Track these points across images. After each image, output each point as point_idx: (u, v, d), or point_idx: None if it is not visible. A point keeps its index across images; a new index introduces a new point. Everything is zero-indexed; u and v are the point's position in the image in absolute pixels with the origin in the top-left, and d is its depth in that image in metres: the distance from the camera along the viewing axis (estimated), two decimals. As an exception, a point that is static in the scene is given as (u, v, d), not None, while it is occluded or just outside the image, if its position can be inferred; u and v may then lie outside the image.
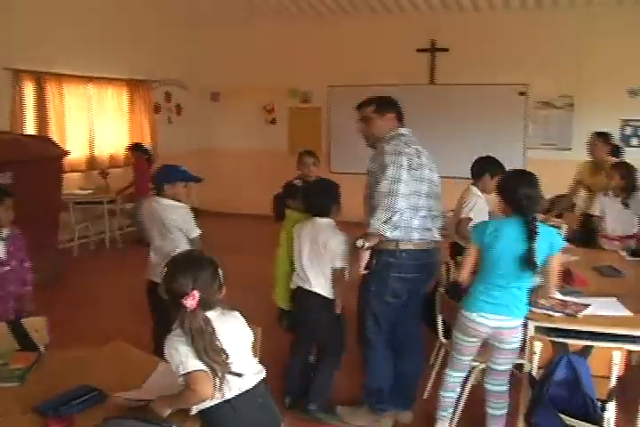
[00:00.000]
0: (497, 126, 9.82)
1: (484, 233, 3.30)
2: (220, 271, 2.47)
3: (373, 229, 3.51)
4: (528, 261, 3.14)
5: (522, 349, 3.39)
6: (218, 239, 6.17)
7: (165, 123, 11.03)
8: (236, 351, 2.40)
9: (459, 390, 3.68)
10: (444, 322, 4.03)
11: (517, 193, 3.24)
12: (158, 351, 4.19)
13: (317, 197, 4.07)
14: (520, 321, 3.34)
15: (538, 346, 3.17)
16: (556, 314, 3.49)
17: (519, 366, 3.70)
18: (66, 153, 7.77)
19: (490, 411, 3.52)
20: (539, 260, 3.17)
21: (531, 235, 3.15)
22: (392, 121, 3.90)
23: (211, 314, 2.38)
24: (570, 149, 9.30)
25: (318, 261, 3.94)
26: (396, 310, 3.80)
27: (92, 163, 9.38)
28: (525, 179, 3.34)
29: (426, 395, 4.23)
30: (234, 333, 2.46)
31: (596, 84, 9.15)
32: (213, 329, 2.32)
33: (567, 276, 4.23)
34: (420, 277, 3.79)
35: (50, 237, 7.14)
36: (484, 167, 4.96)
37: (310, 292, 3.97)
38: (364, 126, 3.96)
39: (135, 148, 9.17)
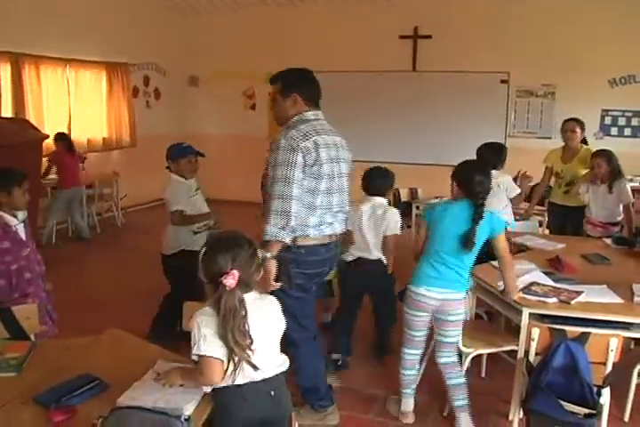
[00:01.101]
0: (478, 114, 9.82)
1: (432, 212, 3.63)
2: (260, 253, 2.49)
3: (272, 236, 3.24)
4: (467, 241, 3.39)
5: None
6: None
7: (144, 107, 10.90)
8: (263, 340, 2.38)
9: (417, 366, 3.86)
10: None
11: (473, 180, 3.48)
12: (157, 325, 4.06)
13: (378, 181, 4.62)
14: (463, 294, 3.58)
15: (536, 332, 3.17)
16: (550, 300, 3.50)
17: (512, 353, 3.73)
18: (45, 137, 7.62)
19: (448, 382, 3.67)
20: (478, 240, 3.41)
21: (476, 217, 3.40)
22: (298, 103, 3.46)
23: (248, 296, 2.36)
24: (551, 137, 9.33)
25: (376, 232, 4.52)
26: (308, 303, 3.66)
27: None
28: (481, 168, 3.61)
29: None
30: (265, 320, 2.43)
31: (578, 74, 9.17)
32: (246, 312, 2.30)
33: (557, 263, 4.26)
34: (324, 271, 3.62)
35: (30, 223, 7.00)
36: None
37: (372, 260, 4.56)
38: (272, 105, 3.62)
39: (60, 137, 8.43)
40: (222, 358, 2.27)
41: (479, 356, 4.06)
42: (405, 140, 10.04)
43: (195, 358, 2.30)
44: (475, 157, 5.04)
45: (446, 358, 3.68)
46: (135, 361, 2.66)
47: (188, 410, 2.22)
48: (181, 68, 11.40)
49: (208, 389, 2.36)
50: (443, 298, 3.52)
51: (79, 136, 9.50)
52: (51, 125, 8.76)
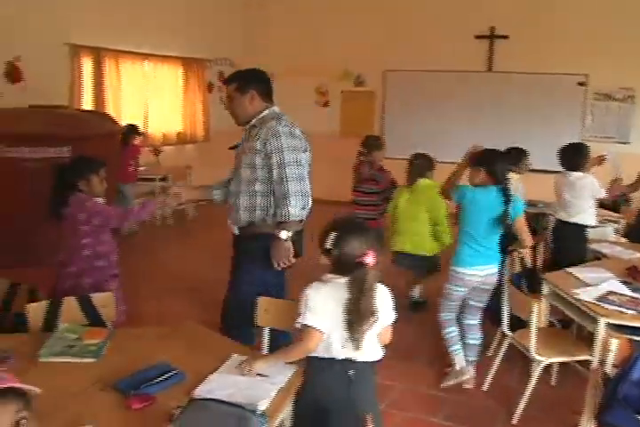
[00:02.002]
0: (553, 117, 9.64)
1: (462, 195, 4.04)
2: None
3: (295, 217, 3.48)
4: (502, 222, 3.91)
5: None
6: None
7: (218, 102, 11.02)
8: None
9: (455, 326, 4.24)
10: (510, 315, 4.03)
11: (502, 168, 3.97)
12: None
13: (572, 157, 5.18)
14: (498, 266, 4.09)
15: (614, 344, 3.11)
16: (628, 311, 3.43)
17: (583, 362, 3.67)
18: (122, 129, 7.80)
19: (466, 340, 4.21)
20: (510, 220, 3.90)
21: (507, 200, 3.88)
22: (255, 99, 3.66)
23: None
24: (628, 142, 9.11)
25: (576, 200, 5.16)
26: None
27: (145, 140, 9.35)
28: (506, 157, 4.17)
29: (486, 387, 4.19)
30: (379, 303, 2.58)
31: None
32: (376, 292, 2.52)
33: (635, 273, 4.16)
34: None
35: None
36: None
37: (570, 223, 5.24)
38: (229, 104, 3.75)
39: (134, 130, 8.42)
40: (324, 331, 2.50)
41: (549, 364, 4.01)
42: (478, 140, 9.83)
43: (298, 326, 2.54)
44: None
45: (471, 320, 4.20)
46: (210, 354, 2.71)
47: (263, 405, 2.25)
48: (255, 63, 11.18)
49: (290, 373, 2.53)
50: (485, 274, 4.02)
51: (154, 130, 9.70)
52: (128, 119, 8.92)
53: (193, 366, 2.56)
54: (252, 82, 3.67)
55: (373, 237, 2.61)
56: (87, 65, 8.38)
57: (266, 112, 3.66)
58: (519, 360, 4.34)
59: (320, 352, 2.57)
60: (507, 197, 3.89)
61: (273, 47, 11.24)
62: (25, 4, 7.34)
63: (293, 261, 3.56)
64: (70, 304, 3.23)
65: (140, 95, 9.45)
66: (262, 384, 2.41)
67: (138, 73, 9.36)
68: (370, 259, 2.48)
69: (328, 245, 2.55)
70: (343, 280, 2.52)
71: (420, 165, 5.50)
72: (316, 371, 2.60)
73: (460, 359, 4.21)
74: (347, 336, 2.51)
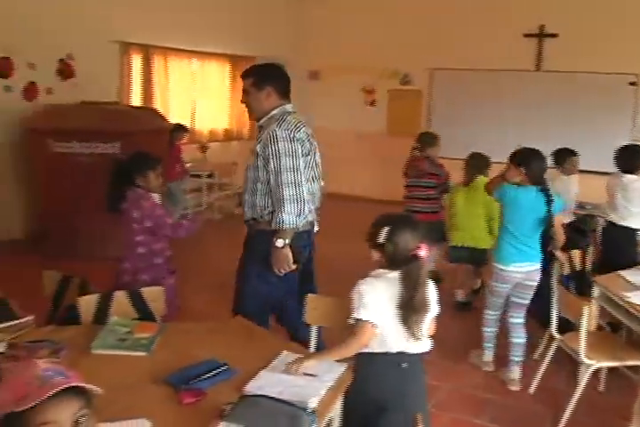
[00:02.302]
0: (602, 117, 9.45)
1: (505, 194, 4.13)
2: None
3: (289, 225, 3.44)
4: (546, 222, 3.99)
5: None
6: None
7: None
8: None
9: (495, 325, 4.41)
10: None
11: (541, 168, 4.06)
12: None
13: (629, 159, 5.15)
14: (540, 262, 4.14)
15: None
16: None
17: (632, 367, 3.61)
18: (171, 125, 7.89)
19: (511, 339, 4.26)
20: (553, 222, 3.99)
21: (549, 200, 3.96)
22: (272, 96, 3.60)
23: None
24: (681, 143, 8.92)
25: (628, 203, 5.10)
26: (279, 288, 3.74)
27: (192, 137, 9.42)
28: (543, 157, 4.13)
29: (532, 390, 4.16)
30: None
31: None
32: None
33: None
34: (303, 257, 3.69)
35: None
36: None
37: (621, 226, 5.18)
38: (245, 99, 3.69)
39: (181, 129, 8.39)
40: (377, 325, 2.54)
41: (598, 368, 3.96)
42: (526, 140, 9.69)
43: (351, 321, 2.58)
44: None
45: (516, 318, 4.25)
46: (259, 350, 2.72)
47: (314, 403, 2.25)
48: (302, 61, 11.46)
49: (339, 371, 2.50)
50: (527, 271, 4.11)
51: (201, 126, 9.79)
52: (175, 115, 9.02)
53: (242, 362, 2.56)
54: (269, 78, 3.62)
55: (425, 231, 2.67)
56: (136, 62, 8.50)
57: (275, 111, 3.60)
58: (567, 364, 4.28)
59: (373, 347, 2.59)
60: (548, 197, 3.96)
61: (320, 45, 11.25)
62: (76, 3, 7.48)
63: (293, 267, 3.53)
64: (121, 298, 3.27)
65: (187, 92, 9.53)
66: (312, 382, 2.40)
67: (185, 70, 9.45)
68: (423, 252, 2.56)
69: (381, 239, 2.59)
70: (395, 274, 2.57)
71: (477, 164, 5.69)
72: (369, 365, 2.63)
73: (488, 355, 4.49)
74: (402, 329, 2.55)
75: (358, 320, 2.55)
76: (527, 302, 4.22)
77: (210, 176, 9.13)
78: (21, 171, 7.23)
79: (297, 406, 2.12)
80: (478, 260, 5.77)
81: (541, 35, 9.76)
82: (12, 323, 2.96)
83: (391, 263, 2.60)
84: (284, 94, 3.66)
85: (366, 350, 2.60)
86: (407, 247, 2.57)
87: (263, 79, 3.59)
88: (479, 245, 5.64)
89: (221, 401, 2.20)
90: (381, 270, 2.64)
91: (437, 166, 6.22)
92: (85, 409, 1.52)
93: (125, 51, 8.27)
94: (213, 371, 2.43)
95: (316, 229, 3.83)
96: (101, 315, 3.18)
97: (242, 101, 3.74)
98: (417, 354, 2.66)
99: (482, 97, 10.09)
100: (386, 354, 2.61)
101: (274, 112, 3.60)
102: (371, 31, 10.75)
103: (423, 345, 2.67)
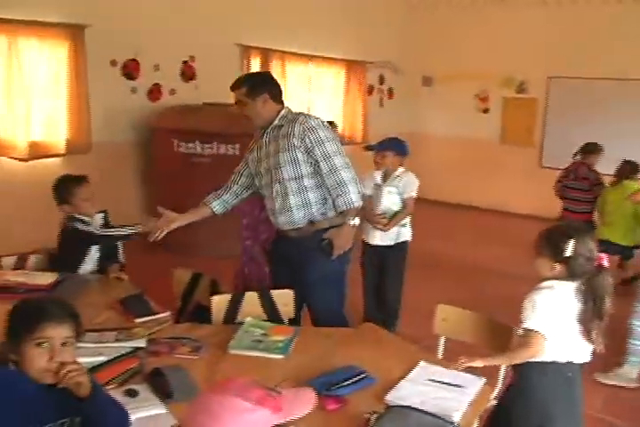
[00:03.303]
0: None
1: None
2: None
3: (358, 203, 3.48)
4: None
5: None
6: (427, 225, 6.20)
7: (377, 105, 11.09)
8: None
9: None
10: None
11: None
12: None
13: None
14: None
15: None
16: None
17: None
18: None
19: None
20: None
21: None
22: (268, 103, 3.55)
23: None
24: None
25: None
26: None
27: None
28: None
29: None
30: None
31: None
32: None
33: None
34: None
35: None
36: None
37: None
38: (242, 109, 3.63)
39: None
40: (547, 336, 2.52)
41: None
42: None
43: (521, 331, 2.60)
44: None
45: None
46: (394, 358, 2.71)
47: (457, 416, 2.21)
48: (416, 67, 11.40)
49: (479, 385, 2.48)
50: None
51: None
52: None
53: (379, 369, 2.55)
54: (262, 86, 3.59)
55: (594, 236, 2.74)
56: (255, 65, 8.65)
57: (284, 111, 3.62)
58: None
59: (543, 356, 2.58)
60: None
61: (433, 51, 11.16)
62: (199, 8, 7.69)
63: (350, 246, 3.56)
64: (252, 299, 3.32)
65: (303, 95, 9.64)
66: (454, 394, 2.37)
67: (302, 73, 9.56)
68: (605, 262, 2.59)
69: (568, 252, 2.56)
70: (573, 286, 2.56)
71: (626, 169, 6.49)
72: (539, 374, 2.61)
73: (630, 369, 4.28)
74: (576, 340, 2.57)
75: (529, 331, 2.55)
76: None
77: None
78: (143, 169, 7.47)
79: (444, 420, 2.08)
80: (622, 254, 6.52)
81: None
82: (151, 318, 3.06)
83: (573, 275, 2.59)
84: (280, 99, 3.66)
85: (536, 360, 2.59)
86: (592, 257, 2.58)
87: (256, 88, 3.56)
88: (624, 242, 6.33)
89: (362, 409, 2.20)
90: (555, 282, 2.61)
91: (592, 172, 6.85)
92: (73, 338, 1.90)
93: (245, 54, 8.46)
94: (354, 378, 2.43)
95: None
96: (231, 315, 3.24)
97: (238, 112, 3.69)
98: (580, 364, 2.65)
99: (601, 107, 9.57)
100: (555, 364, 2.60)
101: (283, 112, 3.61)
102: (485, 37, 10.54)
103: (587, 355, 2.66)
